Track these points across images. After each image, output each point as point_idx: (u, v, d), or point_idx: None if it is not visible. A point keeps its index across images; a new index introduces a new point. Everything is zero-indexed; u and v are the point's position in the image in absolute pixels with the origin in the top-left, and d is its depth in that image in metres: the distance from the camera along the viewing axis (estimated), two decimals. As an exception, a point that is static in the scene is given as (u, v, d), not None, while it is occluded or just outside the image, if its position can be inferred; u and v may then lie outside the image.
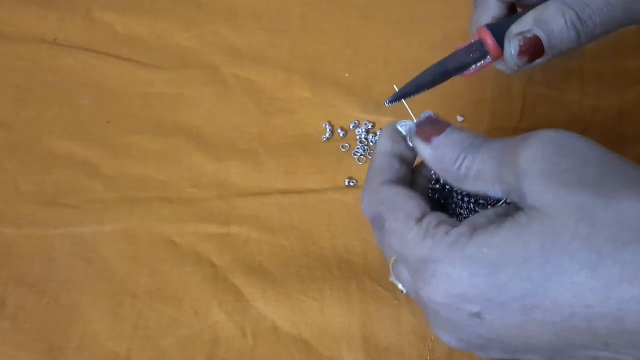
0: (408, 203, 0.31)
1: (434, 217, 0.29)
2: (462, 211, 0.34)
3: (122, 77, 0.56)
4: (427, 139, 0.32)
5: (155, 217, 0.49)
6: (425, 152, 0.32)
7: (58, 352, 0.44)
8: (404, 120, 0.35)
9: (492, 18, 0.38)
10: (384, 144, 0.34)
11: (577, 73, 0.52)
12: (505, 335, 0.27)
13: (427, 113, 0.34)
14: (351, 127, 0.52)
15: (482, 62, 0.37)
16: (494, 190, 0.29)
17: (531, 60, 0.35)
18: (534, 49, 0.34)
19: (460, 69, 0.37)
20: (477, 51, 0.37)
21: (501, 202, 0.32)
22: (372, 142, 0.51)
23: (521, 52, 0.34)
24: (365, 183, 0.34)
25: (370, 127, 0.52)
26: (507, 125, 0.51)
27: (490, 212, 0.29)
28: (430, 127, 0.32)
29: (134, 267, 0.47)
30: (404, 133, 0.35)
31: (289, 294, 0.45)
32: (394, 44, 0.56)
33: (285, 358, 0.43)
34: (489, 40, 0.36)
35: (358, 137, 0.51)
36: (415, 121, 0.33)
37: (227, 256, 0.47)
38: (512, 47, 0.34)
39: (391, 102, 0.36)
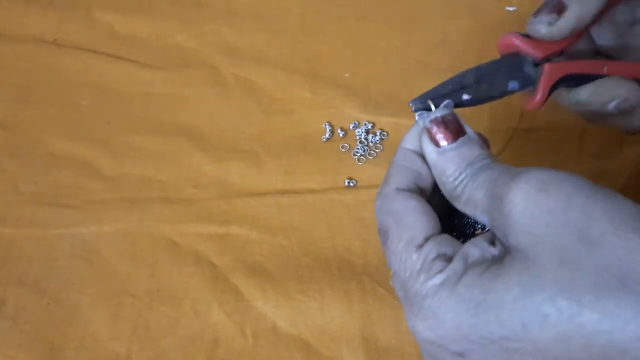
0: (415, 223, 0.29)
1: (433, 246, 0.28)
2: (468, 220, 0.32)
3: (122, 77, 0.56)
4: (436, 143, 0.30)
5: (155, 217, 0.49)
6: (431, 155, 0.31)
7: (58, 352, 0.44)
8: (424, 112, 0.32)
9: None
10: (410, 139, 0.32)
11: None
12: None
13: (448, 103, 0.32)
14: (351, 127, 0.52)
15: (538, 75, 0.33)
16: (482, 217, 0.29)
17: (556, 11, 0.33)
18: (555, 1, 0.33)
19: (498, 69, 0.33)
20: (506, 57, 0.34)
21: None
22: (371, 142, 0.51)
23: (539, 10, 0.33)
24: (382, 184, 0.32)
25: (369, 127, 0.52)
26: (507, 125, 0.51)
27: (484, 238, 0.28)
28: (445, 131, 0.30)
29: (133, 267, 0.47)
30: (421, 125, 0.31)
31: (289, 294, 0.45)
32: (394, 44, 0.56)
33: (285, 358, 0.43)
34: (515, 39, 0.33)
35: (358, 137, 0.51)
36: (431, 115, 0.31)
37: (227, 256, 0.47)
38: (533, 15, 0.33)
39: (415, 103, 0.32)
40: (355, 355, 0.42)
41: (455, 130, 0.30)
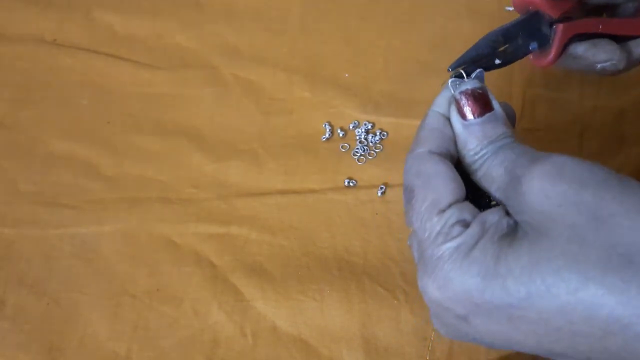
0: (442, 187, 0.30)
1: (455, 212, 0.29)
2: None
3: (122, 77, 0.56)
4: (463, 115, 0.31)
5: (155, 217, 0.49)
6: (456, 126, 0.31)
7: (58, 352, 0.44)
8: (456, 79, 0.32)
9: None
10: (441, 103, 0.33)
11: (576, 73, 0.52)
12: (488, 337, 0.28)
13: (479, 72, 0.33)
14: (350, 127, 0.52)
15: (552, 34, 0.35)
16: (495, 193, 0.30)
17: None
18: None
19: (521, 30, 0.34)
20: (527, 17, 0.35)
21: None
22: (371, 142, 0.51)
23: None
24: (413, 144, 0.32)
25: (369, 127, 0.52)
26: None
27: (500, 209, 0.29)
28: (473, 104, 0.31)
29: (133, 267, 0.47)
30: (452, 92, 0.32)
31: (289, 294, 0.45)
32: (394, 44, 0.56)
33: (285, 358, 0.43)
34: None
35: (357, 137, 0.51)
36: (465, 84, 0.32)
37: (227, 256, 0.47)
38: None
39: (453, 68, 0.33)
40: (355, 355, 0.42)
41: (483, 105, 0.31)
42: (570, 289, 0.25)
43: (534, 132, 0.51)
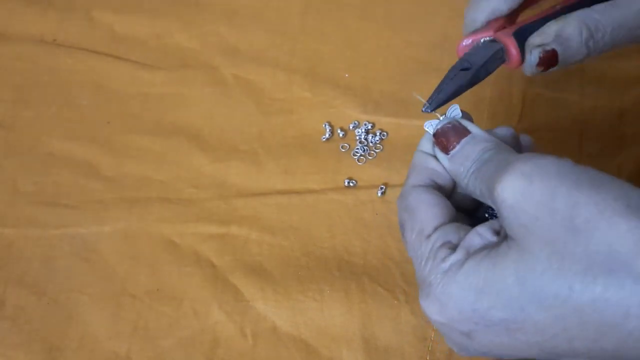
0: (425, 214, 0.32)
1: (440, 235, 0.31)
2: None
3: (122, 77, 0.56)
4: (444, 150, 0.33)
5: (155, 217, 0.49)
6: (444, 162, 0.34)
7: (58, 352, 0.44)
8: (431, 120, 0.35)
9: (492, 11, 0.38)
10: (423, 144, 0.35)
11: (576, 73, 0.52)
12: (495, 349, 0.29)
13: (454, 108, 0.35)
14: (350, 127, 0.52)
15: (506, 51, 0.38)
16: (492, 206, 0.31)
17: (545, 69, 0.37)
18: (550, 60, 0.36)
19: (485, 68, 0.37)
20: (499, 59, 0.37)
21: None
22: (371, 142, 0.51)
23: (540, 63, 0.36)
24: (404, 182, 0.35)
25: (369, 127, 0.52)
26: (506, 125, 0.51)
27: (487, 228, 0.30)
28: (448, 137, 0.33)
29: (133, 267, 0.47)
30: (431, 132, 0.35)
31: (289, 294, 0.45)
32: (394, 44, 0.56)
33: (285, 358, 0.43)
34: (514, 50, 0.37)
35: (357, 137, 0.51)
36: (440, 120, 0.34)
37: (227, 256, 0.47)
38: (532, 58, 0.36)
39: (433, 109, 0.35)
40: (355, 355, 0.42)
41: (458, 134, 0.33)
42: (559, 301, 0.26)
43: (533, 132, 0.50)
